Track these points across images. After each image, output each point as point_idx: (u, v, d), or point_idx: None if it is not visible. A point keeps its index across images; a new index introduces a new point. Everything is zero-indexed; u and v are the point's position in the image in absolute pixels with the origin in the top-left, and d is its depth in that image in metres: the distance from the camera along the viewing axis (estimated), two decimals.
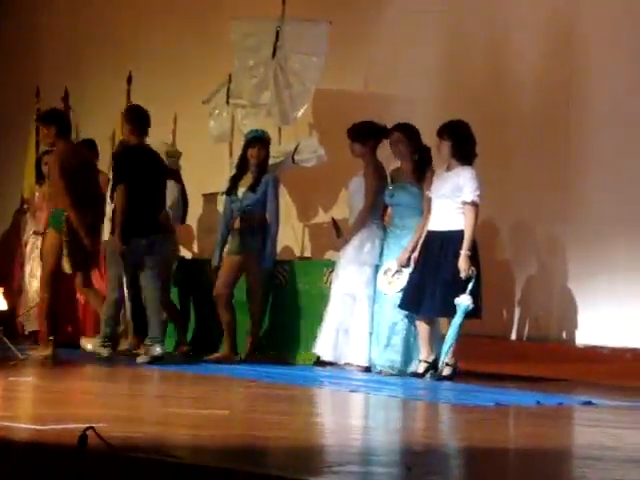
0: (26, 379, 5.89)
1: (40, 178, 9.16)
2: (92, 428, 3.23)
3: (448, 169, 6.83)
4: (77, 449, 3.19)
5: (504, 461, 3.69)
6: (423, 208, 7.02)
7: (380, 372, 6.96)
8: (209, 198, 9.18)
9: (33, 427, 3.70)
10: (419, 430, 4.69)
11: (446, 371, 6.66)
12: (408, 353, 7.01)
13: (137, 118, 7.40)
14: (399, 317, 7.00)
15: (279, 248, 8.16)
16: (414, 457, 3.60)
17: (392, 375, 6.88)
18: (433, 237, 6.81)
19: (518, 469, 3.46)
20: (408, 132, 7.13)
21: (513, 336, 7.69)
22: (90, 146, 8.78)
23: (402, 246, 7.06)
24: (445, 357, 6.63)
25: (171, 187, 7.88)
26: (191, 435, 3.83)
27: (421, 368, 6.82)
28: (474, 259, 6.66)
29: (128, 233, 7.08)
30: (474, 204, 6.67)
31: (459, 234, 6.65)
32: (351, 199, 7.50)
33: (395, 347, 7.00)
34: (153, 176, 7.31)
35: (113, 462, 3.14)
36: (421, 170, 7.09)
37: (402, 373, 6.93)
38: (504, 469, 3.51)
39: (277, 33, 8.39)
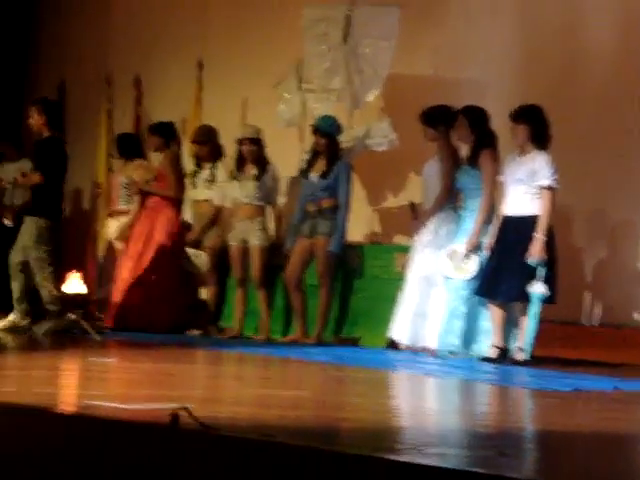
0: (106, 360, 5.98)
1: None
2: (185, 407, 3.28)
3: (522, 153, 6.79)
4: (169, 428, 3.24)
5: (581, 445, 3.68)
6: (483, 190, 6.99)
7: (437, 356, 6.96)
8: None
9: (122, 406, 3.75)
10: (496, 414, 4.69)
11: (520, 356, 6.64)
12: (469, 337, 7.00)
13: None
14: (460, 301, 6.99)
15: (350, 233, 8.19)
16: (492, 440, 3.60)
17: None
18: (509, 222, 6.78)
19: (595, 453, 3.45)
20: (469, 115, 7.09)
21: (587, 321, 7.64)
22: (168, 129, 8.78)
23: (464, 229, 7.05)
24: (523, 344, 6.60)
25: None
26: (277, 415, 3.88)
27: (494, 353, 6.80)
28: (549, 244, 6.62)
29: None
30: (551, 189, 6.63)
31: (535, 219, 6.62)
32: (426, 183, 7.49)
33: (456, 331, 6.99)
34: None
35: (206, 441, 3.19)
36: (475, 151, 7.05)
37: (464, 357, 6.92)
38: (581, 453, 3.51)
39: (348, 18, 8.41)
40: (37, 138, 8.20)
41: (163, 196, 8.56)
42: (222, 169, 8.54)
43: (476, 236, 6.96)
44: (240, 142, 8.24)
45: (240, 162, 8.26)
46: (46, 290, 7.70)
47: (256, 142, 8.19)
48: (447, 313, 7.02)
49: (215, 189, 8.50)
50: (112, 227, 9.11)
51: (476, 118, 7.07)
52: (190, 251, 8.54)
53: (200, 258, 8.52)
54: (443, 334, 7.02)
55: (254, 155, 8.17)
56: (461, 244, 7.02)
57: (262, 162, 8.25)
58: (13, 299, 7.97)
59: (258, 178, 8.18)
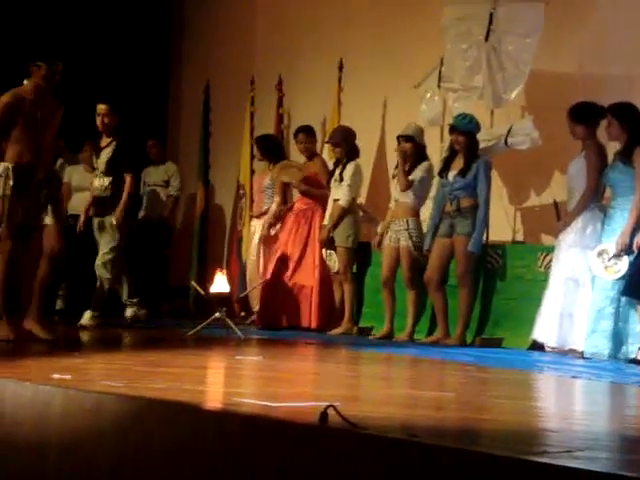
0: (252, 358, 6.07)
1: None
2: (332, 406, 3.30)
3: None
4: (319, 426, 3.27)
5: None
6: (636, 187, 6.82)
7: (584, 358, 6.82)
8: None
9: (268, 404, 3.80)
10: None
11: None
12: (617, 339, 6.83)
13: None
14: (607, 301, 6.83)
15: (491, 232, 8.11)
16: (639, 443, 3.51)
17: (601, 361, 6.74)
18: None
19: None
20: (619, 113, 6.93)
21: None
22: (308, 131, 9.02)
23: (613, 227, 6.89)
24: None
25: None
26: (422, 415, 3.87)
27: None
28: None
29: None
30: None
31: None
32: (571, 181, 7.35)
33: (603, 332, 6.83)
34: None
35: (353, 440, 3.21)
36: (629, 148, 6.88)
37: (611, 359, 6.76)
38: None
39: (491, 16, 8.33)
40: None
41: (317, 198, 8.73)
42: (350, 169, 8.57)
43: (628, 235, 6.79)
44: (398, 140, 8.30)
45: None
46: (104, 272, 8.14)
47: (411, 140, 8.18)
48: (594, 314, 6.87)
49: (342, 188, 8.55)
50: (256, 228, 9.28)
51: (626, 115, 6.91)
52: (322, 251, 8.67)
53: (331, 257, 8.60)
54: (590, 335, 6.87)
55: (409, 153, 8.17)
56: (611, 243, 6.87)
57: (417, 160, 8.23)
58: (122, 297, 8.26)
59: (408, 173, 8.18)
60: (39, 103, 6.45)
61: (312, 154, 8.97)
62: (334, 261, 8.60)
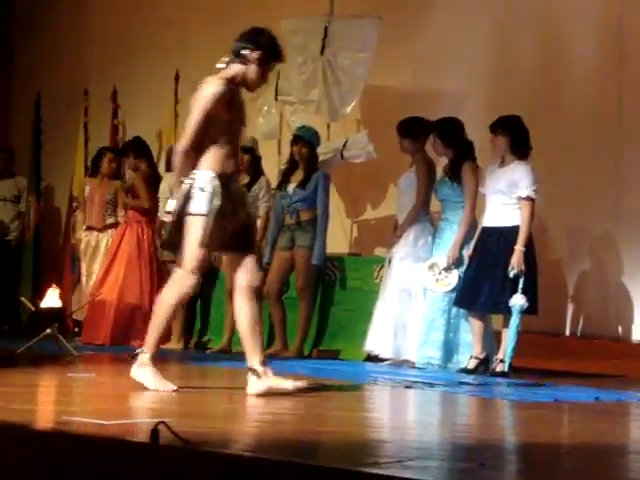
0: (84, 375, 5.92)
1: (93, 173, 9.23)
2: (164, 422, 3.24)
3: (502, 164, 6.80)
4: (149, 444, 3.20)
5: (564, 457, 3.67)
6: (465, 202, 6.99)
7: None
8: None
9: (99, 422, 3.70)
10: (477, 426, 4.67)
11: (500, 367, 6.63)
12: (448, 349, 6.99)
13: None
14: (438, 313, 6.99)
15: (329, 244, 8.16)
16: (473, 452, 3.58)
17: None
18: (489, 233, 6.78)
19: (578, 465, 3.43)
20: (442, 129, 7.09)
21: (567, 332, 7.64)
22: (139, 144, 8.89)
23: (444, 241, 7.05)
24: (503, 355, 6.59)
25: None
26: (257, 429, 3.85)
27: (472, 364, 6.80)
28: (529, 255, 6.62)
29: None
30: (530, 199, 6.63)
31: (515, 230, 6.62)
32: (401, 195, 7.48)
33: (434, 343, 6.98)
34: None
35: (185, 456, 3.15)
36: (455, 164, 7.05)
37: (442, 368, 6.91)
38: (563, 465, 3.49)
39: (325, 29, 8.40)
40: None
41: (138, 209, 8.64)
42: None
43: (458, 248, 6.96)
44: None
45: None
46: None
47: (249, 151, 8.14)
48: (425, 325, 7.01)
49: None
50: (99, 241, 9.11)
51: (451, 131, 7.07)
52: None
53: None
54: (422, 346, 7.01)
55: (246, 164, 8.12)
56: (442, 257, 7.02)
57: (255, 173, 8.20)
58: None
59: (249, 188, 8.14)
60: None
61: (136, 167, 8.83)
62: None
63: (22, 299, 8.33)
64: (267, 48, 5.15)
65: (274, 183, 8.34)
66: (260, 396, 4.89)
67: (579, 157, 7.62)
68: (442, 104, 7.94)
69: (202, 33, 9.89)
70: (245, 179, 8.12)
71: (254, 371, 4.98)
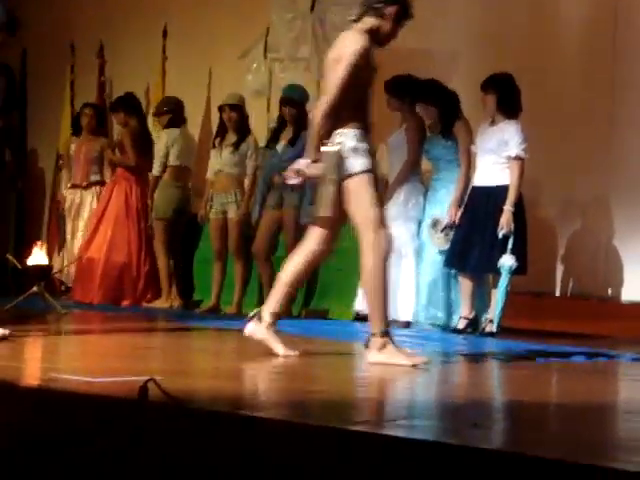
0: (70, 332, 5.88)
1: (77, 132, 9.18)
2: (153, 380, 3.20)
3: (492, 123, 6.74)
4: (137, 401, 3.17)
5: (553, 416, 3.66)
6: (461, 160, 6.95)
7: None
8: None
9: (87, 379, 3.67)
10: (467, 385, 4.66)
11: (489, 327, 6.62)
12: (450, 309, 6.97)
13: None
14: (439, 274, 6.96)
15: None
16: (465, 412, 3.56)
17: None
18: (479, 193, 6.74)
19: (567, 423, 3.42)
20: (422, 92, 7.01)
21: (557, 293, 7.63)
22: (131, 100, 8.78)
23: (438, 199, 7.00)
24: (492, 315, 6.58)
25: None
26: (251, 389, 3.83)
27: (462, 324, 6.80)
28: (519, 215, 6.59)
29: None
30: (520, 158, 6.58)
31: (505, 189, 6.58)
32: (391, 155, 7.41)
33: (437, 303, 6.96)
34: None
35: (175, 414, 3.12)
36: (446, 123, 6.98)
37: (446, 328, 6.90)
38: (552, 424, 3.48)
39: None
40: None
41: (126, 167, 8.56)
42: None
43: (457, 206, 6.90)
44: (221, 109, 8.12)
45: (222, 130, 8.11)
46: None
47: (237, 109, 8.04)
48: (427, 287, 6.98)
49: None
50: (83, 198, 9.05)
51: (430, 92, 7.00)
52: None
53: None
54: (426, 307, 6.98)
55: (234, 122, 8.03)
56: (442, 214, 6.96)
57: (243, 131, 8.11)
58: None
59: (237, 147, 8.05)
60: None
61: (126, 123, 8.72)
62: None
63: (8, 256, 8.26)
64: (402, 2, 4.90)
65: (263, 141, 8.26)
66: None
67: (571, 115, 7.58)
68: (433, 63, 7.86)
69: None
70: (233, 138, 8.04)
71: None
